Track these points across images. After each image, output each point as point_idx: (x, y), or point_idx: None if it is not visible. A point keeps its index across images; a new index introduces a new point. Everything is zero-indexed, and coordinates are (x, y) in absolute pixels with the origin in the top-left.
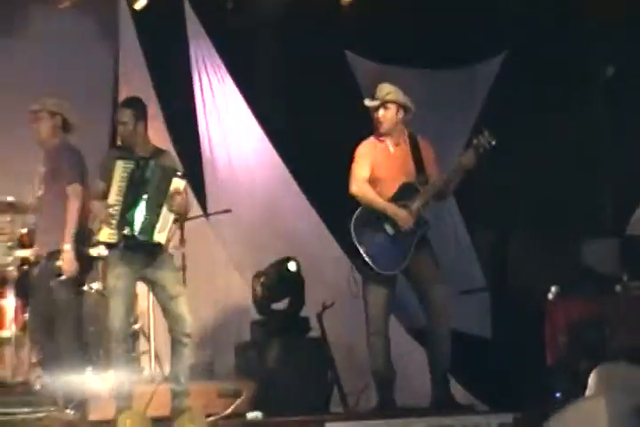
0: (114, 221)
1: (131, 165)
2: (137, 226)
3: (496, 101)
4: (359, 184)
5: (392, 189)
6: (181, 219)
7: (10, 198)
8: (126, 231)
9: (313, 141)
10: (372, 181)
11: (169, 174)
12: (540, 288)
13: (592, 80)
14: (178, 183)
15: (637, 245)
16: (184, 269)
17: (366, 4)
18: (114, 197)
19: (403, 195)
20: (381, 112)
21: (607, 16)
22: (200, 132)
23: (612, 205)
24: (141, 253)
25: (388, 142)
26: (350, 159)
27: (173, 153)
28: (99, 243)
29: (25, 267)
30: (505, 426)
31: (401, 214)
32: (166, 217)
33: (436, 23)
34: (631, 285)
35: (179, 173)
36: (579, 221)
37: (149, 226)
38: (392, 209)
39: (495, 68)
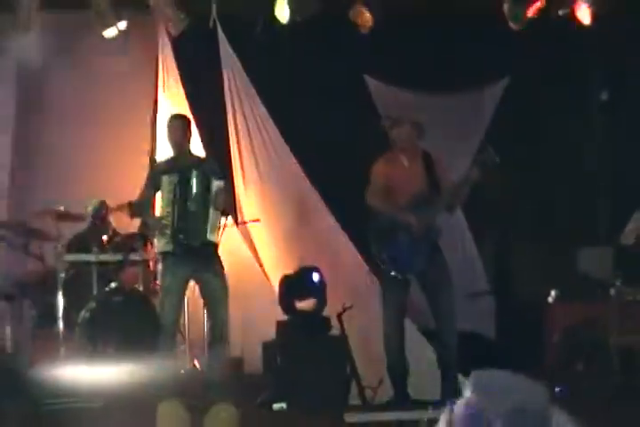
0: (168, 231)
1: (175, 178)
2: (190, 232)
3: (501, 121)
4: (373, 196)
5: (406, 199)
6: (225, 214)
7: (61, 208)
8: (181, 238)
9: (334, 157)
10: (388, 193)
11: (208, 178)
12: (541, 292)
13: (590, 99)
14: (218, 184)
15: (629, 253)
16: None
17: (383, 34)
18: (164, 208)
19: (415, 204)
20: (396, 131)
21: (605, 41)
22: (232, 150)
23: (607, 217)
24: (194, 255)
25: (403, 157)
26: (369, 173)
27: None
28: (158, 253)
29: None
30: None
31: (411, 220)
32: (214, 217)
33: (446, 50)
34: (624, 290)
35: (218, 175)
36: (577, 231)
37: (201, 229)
38: (403, 216)
39: (499, 90)
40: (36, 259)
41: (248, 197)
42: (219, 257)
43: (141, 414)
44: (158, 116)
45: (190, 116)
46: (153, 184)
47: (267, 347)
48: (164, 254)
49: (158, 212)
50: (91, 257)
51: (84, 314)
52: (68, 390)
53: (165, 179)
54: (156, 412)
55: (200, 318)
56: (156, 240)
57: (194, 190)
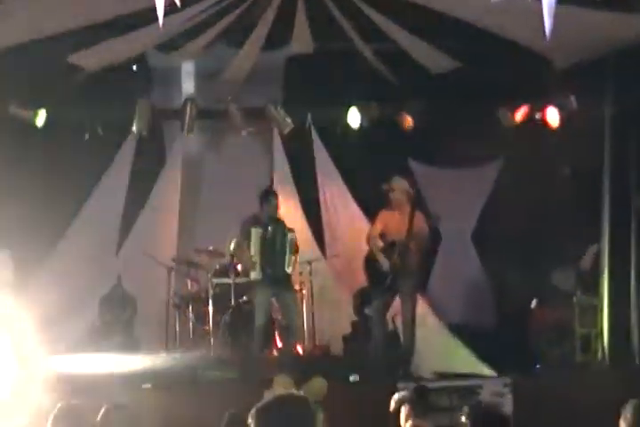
0: (258, 267)
1: (261, 230)
2: (275, 267)
3: (498, 193)
4: (371, 236)
5: (391, 240)
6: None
7: (210, 247)
8: (269, 271)
9: None
10: (383, 235)
11: (285, 233)
12: (526, 300)
13: (561, 173)
14: (291, 237)
15: (586, 273)
16: (312, 293)
17: (421, 129)
18: (254, 251)
19: (388, 248)
20: (391, 194)
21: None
22: (323, 219)
23: (573, 248)
24: (275, 281)
25: (397, 213)
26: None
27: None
28: (252, 281)
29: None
30: (507, 385)
31: (381, 259)
32: (290, 257)
33: (453, 139)
34: (583, 298)
35: (289, 230)
36: (553, 258)
37: (282, 265)
38: (379, 257)
39: (496, 168)
40: (194, 282)
41: (332, 239)
42: (292, 282)
43: (260, 384)
44: (274, 186)
45: (295, 190)
46: (244, 233)
47: (345, 338)
48: (256, 281)
49: (252, 252)
50: (229, 280)
51: (225, 318)
52: (213, 365)
53: (254, 231)
54: (272, 382)
55: None
56: (250, 271)
57: (276, 239)
